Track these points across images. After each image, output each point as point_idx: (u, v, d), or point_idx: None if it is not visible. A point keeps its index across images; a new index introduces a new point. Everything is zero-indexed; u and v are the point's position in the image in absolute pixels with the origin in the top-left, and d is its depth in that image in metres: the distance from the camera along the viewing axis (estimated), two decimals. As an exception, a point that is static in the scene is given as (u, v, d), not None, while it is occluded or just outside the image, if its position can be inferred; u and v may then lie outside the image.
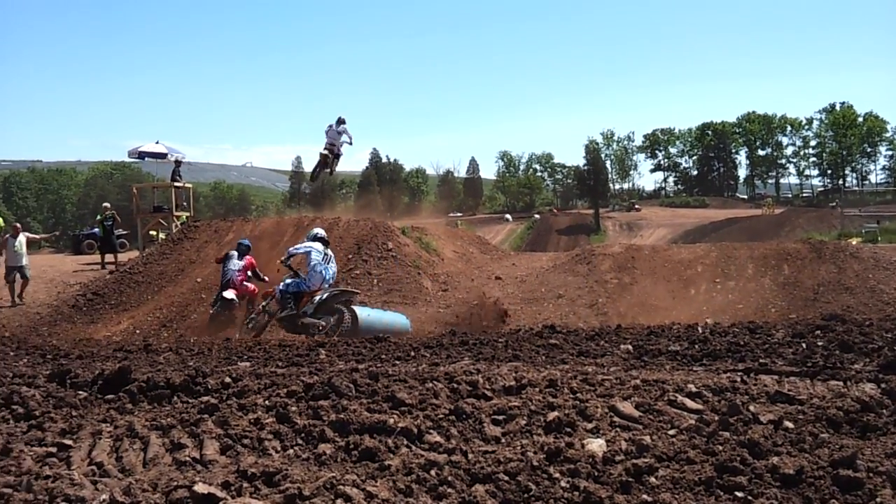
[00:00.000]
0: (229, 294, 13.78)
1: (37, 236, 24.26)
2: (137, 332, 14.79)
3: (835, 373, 5.86)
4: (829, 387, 5.34)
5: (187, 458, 3.83)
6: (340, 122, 20.96)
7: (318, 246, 12.47)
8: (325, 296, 12.09)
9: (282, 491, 3.20)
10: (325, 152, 21.08)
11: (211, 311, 14.03)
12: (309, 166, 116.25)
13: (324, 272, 12.29)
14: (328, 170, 21.98)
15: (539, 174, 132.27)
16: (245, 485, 3.32)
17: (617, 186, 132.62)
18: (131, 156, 29.24)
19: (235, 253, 14.48)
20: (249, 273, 14.39)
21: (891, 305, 13.72)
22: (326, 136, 21.03)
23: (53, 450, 4.04)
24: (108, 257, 23.01)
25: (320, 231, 13.19)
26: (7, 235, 17.90)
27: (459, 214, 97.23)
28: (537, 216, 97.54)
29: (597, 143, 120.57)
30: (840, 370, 6.01)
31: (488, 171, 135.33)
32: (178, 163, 26.57)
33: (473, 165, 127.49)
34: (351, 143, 21.21)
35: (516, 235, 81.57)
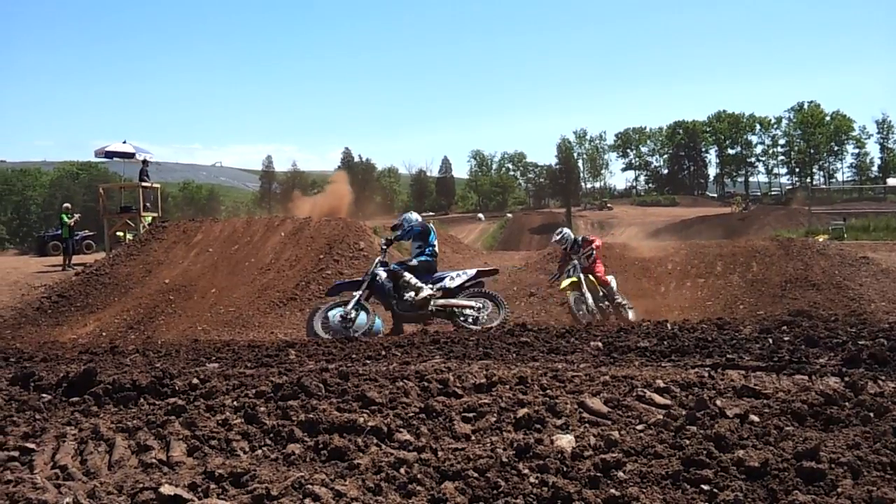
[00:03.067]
0: None
1: None
2: (104, 334, 14.57)
3: (800, 367, 5.95)
4: (795, 381, 5.42)
5: (153, 460, 3.78)
6: None
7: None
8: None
9: (249, 491, 3.18)
10: None
11: None
12: (280, 166, 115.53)
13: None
14: None
15: (511, 173, 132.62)
16: (212, 486, 3.29)
17: (589, 185, 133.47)
18: (98, 155, 28.86)
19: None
20: None
21: (856, 301, 13.95)
22: None
23: (15, 454, 3.96)
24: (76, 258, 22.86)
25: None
26: None
27: (432, 214, 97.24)
28: (510, 215, 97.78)
29: (569, 142, 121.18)
30: (805, 364, 6.10)
31: (461, 171, 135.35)
32: (145, 162, 26.27)
33: (446, 165, 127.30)
34: None
35: (489, 234, 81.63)
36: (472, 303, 10.89)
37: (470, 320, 10.68)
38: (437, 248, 11.49)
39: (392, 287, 10.81)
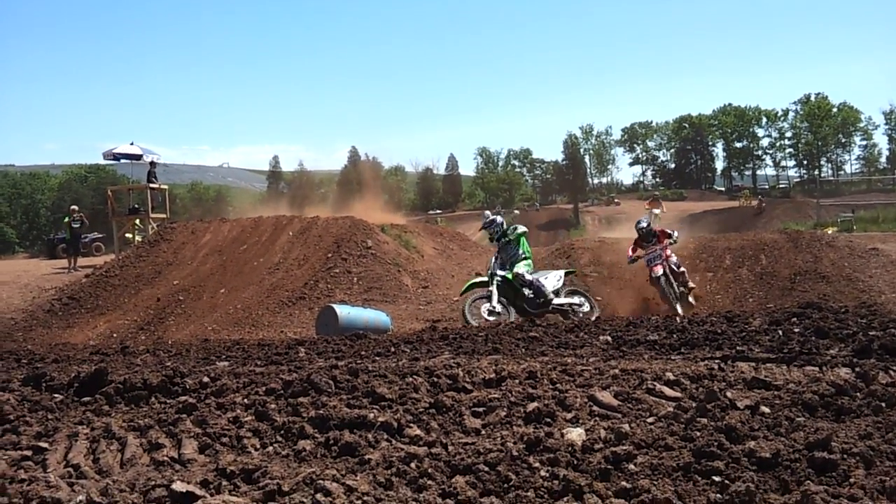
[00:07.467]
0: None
1: None
2: (114, 335, 14.64)
3: (811, 358, 5.93)
4: (805, 372, 5.41)
5: (165, 458, 3.80)
6: None
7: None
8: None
9: (261, 487, 3.18)
10: None
11: None
12: (286, 166, 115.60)
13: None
14: None
15: (518, 170, 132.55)
16: (224, 482, 3.30)
17: (596, 181, 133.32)
18: (106, 158, 28.98)
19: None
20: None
21: (865, 293, 13.87)
22: None
23: (28, 453, 3.99)
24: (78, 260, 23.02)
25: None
26: None
27: (439, 211, 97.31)
28: (517, 211, 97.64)
29: (575, 138, 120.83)
30: (816, 356, 6.08)
31: (467, 168, 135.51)
32: (153, 164, 26.36)
33: (452, 162, 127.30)
34: None
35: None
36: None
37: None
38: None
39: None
